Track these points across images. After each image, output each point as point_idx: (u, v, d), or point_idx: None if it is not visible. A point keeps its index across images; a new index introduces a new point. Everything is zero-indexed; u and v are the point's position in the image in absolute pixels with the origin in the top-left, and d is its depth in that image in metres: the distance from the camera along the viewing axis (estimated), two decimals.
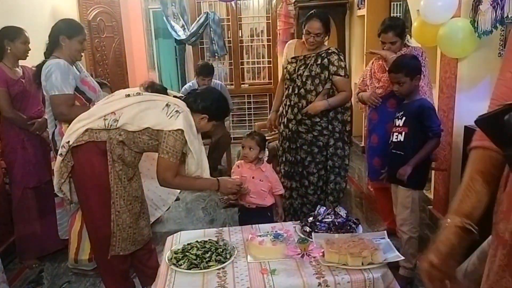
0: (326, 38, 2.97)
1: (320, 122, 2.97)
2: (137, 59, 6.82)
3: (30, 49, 2.79)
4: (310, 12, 2.93)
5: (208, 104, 2.17)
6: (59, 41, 2.50)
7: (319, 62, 2.92)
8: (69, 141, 2.07)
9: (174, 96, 2.21)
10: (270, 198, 2.54)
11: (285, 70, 3.07)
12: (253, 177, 2.48)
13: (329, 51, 2.94)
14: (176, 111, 2.04)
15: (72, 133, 2.08)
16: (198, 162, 2.14)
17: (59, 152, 2.11)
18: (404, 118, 2.46)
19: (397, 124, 2.50)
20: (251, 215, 2.46)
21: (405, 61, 2.48)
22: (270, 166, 2.67)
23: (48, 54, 2.55)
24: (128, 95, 2.12)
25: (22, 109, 2.75)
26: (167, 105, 2.05)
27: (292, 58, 3.03)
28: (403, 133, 2.45)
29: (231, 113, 5.34)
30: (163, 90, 2.20)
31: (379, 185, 3.09)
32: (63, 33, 2.48)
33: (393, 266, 2.43)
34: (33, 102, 2.81)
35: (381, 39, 2.85)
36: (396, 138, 2.49)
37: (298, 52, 3.03)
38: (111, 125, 2.04)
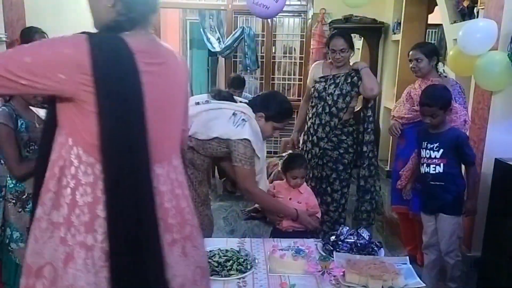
0: (352, 54, 3.04)
1: (346, 140, 3.03)
2: None
3: None
4: (332, 33, 3.12)
5: (265, 103, 2.22)
6: None
7: (349, 80, 2.98)
8: None
9: (240, 102, 2.28)
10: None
11: (312, 89, 3.12)
12: (290, 199, 2.48)
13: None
14: (243, 119, 2.11)
15: None
16: (262, 167, 2.21)
17: None
18: (441, 150, 2.46)
19: (432, 156, 2.49)
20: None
21: (438, 93, 2.49)
22: (309, 189, 2.64)
23: None
24: (198, 103, 2.19)
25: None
26: (233, 114, 2.13)
27: (320, 77, 3.09)
28: (442, 164, 2.46)
29: None
30: (229, 97, 2.27)
31: (402, 210, 3.09)
32: None
33: None
34: None
35: (409, 58, 2.95)
36: (434, 170, 2.49)
37: (326, 72, 3.10)
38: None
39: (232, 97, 2.30)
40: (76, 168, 1.23)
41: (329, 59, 3.11)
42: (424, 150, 2.54)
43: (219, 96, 2.25)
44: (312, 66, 3.27)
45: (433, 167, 2.50)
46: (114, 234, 1.20)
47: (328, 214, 3.11)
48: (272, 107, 2.22)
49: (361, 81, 2.93)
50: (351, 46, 2.98)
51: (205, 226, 2.25)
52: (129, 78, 1.25)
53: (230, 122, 2.10)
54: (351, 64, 3.07)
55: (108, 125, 1.23)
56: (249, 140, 2.07)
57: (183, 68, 1.48)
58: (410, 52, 2.94)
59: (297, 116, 3.59)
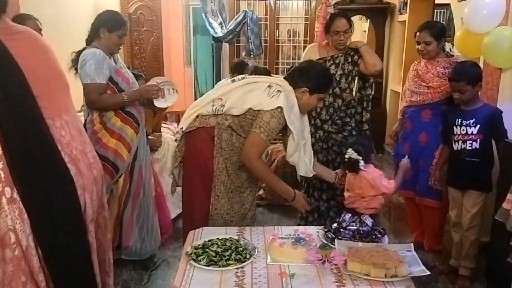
0: (352, 34, 3.00)
1: (350, 122, 2.99)
2: (174, 54, 6.91)
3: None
4: (331, 14, 3.07)
5: (306, 77, 2.14)
6: (99, 32, 2.54)
7: (349, 60, 2.94)
8: (182, 127, 2.19)
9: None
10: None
11: None
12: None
13: (356, 49, 2.96)
14: (278, 90, 2.05)
15: (185, 119, 2.20)
16: (297, 144, 2.11)
17: (175, 138, 2.27)
18: (478, 125, 2.45)
19: (469, 132, 2.48)
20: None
21: (466, 69, 2.48)
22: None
23: (88, 42, 2.60)
24: (234, 80, 2.21)
25: None
26: (269, 86, 2.08)
27: (318, 59, 3.02)
28: (478, 140, 2.45)
29: None
30: (266, 73, 2.24)
31: (406, 195, 3.02)
32: (104, 26, 2.51)
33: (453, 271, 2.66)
34: None
35: (416, 39, 2.82)
36: (471, 146, 2.48)
37: (323, 54, 3.04)
38: (218, 110, 2.11)
39: (270, 73, 2.28)
40: None
41: (326, 40, 3.07)
42: (458, 127, 2.52)
43: (255, 73, 2.25)
44: (307, 49, 3.22)
45: (469, 143, 2.48)
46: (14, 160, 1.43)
47: (334, 199, 3.08)
48: (315, 80, 2.13)
49: (361, 59, 2.88)
50: (351, 26, 2.94)
51: (234, 213, 2.21)
52: None
53: (265, 93, 2.06)
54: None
55: None
56: (281, 108, 2.00)
57: (45, 41, 1.70)
58: (418, 34, 2.80)
59: None
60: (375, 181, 2.25)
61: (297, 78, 2.14)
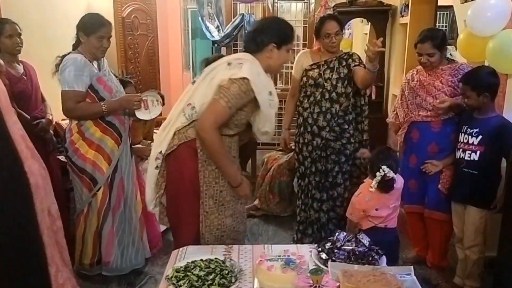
0: (342, 38, 2.96)
1: (348, 129, 2.88)
2: (172, 58, 6.82)
3: (19, 41, 2.66)
4: (321, 17, 3.02)
5: (269, 32, 1.98)
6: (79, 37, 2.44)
7: (344, 64, 2.85)
8: (161, 151, 1.99)
9: None
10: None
11: (304, 78, 2.95)
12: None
13: (350, 53, 2.90)
14: (239, 63, 1.91)
15: (162, 141, 2.00)
16: (265, 116, 1.98)
17: (154, 165, 2.01)
18: (480, 136, 2.32)
19: (470, 142, 2.37)
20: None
21: (476, 74, 2.36)
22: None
23: (75, 47, 2.50)
24: (194, 81, 2.06)
25: (25, 109, 2.62)
26: (228, 63, 1.95)
27: (311, 65, 2.93)
28: (478, 152, 2.33)
29: None
30: (219, 57, 2.13)
31: (414, 210, 2.84)
32: (81, 29, 2.41)
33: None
34: (35, 101, 2.74)
35: (417, 51, 2.64)
36: (469, 157, 2.36)
37: (315, 59, 2.95)
38: (192, 115, 1.96)
39: (222, 56, 2.13)
40: None
41: (317, 46, 3.01)
42: (462, 134, 2.43)
43: (208, 63, 2.10)
44: (299, 55, 3.11)
45: (468, 153, 2.37)
46: None
47: (334, 211, 2.96)
48: (278, 31, 1.99)
49: (354, 64, 2.81)
50: (342, 29, 2.87)
51: (225, 227, 2.06)
52: None
53: (226, 70, 1.92)
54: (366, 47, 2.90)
55: None
56: (247, 79, 1.86)
57: None
58: (419, 45, 2.61)
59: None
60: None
61: (260, 38, 1.97)
